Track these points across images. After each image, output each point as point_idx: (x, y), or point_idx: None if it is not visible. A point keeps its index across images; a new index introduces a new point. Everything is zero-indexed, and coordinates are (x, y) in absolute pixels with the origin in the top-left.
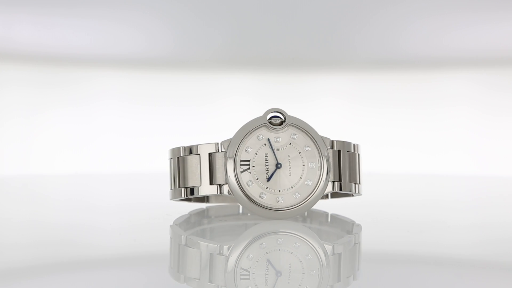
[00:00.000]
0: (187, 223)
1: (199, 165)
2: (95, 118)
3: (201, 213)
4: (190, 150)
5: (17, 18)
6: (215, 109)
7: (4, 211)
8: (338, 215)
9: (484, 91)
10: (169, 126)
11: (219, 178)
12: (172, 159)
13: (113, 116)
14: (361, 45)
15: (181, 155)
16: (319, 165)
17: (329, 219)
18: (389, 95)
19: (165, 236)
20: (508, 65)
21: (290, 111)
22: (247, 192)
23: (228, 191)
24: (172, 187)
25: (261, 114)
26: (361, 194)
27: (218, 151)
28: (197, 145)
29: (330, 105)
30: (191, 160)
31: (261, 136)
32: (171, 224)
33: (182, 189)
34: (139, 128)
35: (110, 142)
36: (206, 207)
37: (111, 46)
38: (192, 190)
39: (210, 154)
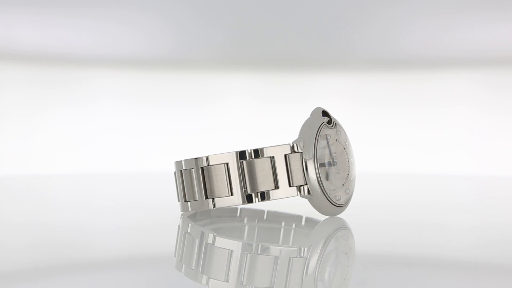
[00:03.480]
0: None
1: (271, 168)
2: (95, 118)
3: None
4: (257, 153)
5: (17, 18)
6: (215, 109)
7: (4, 211)
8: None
9: (484, 91)
10: (169, 126)
11: (298, 179)
12: (223, 165)
13: (113, 116)
14: (361, 45)
15: (247, 159)
16: (353, 160)
17: (265, 216)
18: (389, 95)
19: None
20: (508, 65)
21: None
22: (324, 191)
23: (305, 191)
24: (228, 193)
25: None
26: None
27: (295, 152)
28: (269, 147)
29: (330, 105)
30: (262, 163)
31: (322, 135)
32: (215, 233)
33: (253, 194)
34: (139, 128)
35: (110, 142)
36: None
37: (111, 46)
38: (263, 195)
39: (286, 156)
